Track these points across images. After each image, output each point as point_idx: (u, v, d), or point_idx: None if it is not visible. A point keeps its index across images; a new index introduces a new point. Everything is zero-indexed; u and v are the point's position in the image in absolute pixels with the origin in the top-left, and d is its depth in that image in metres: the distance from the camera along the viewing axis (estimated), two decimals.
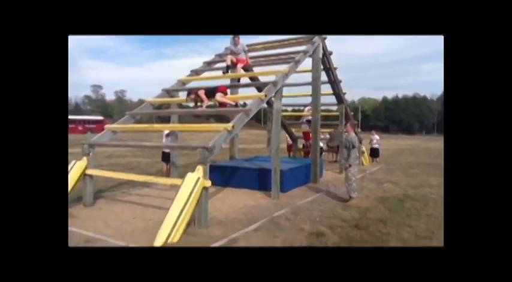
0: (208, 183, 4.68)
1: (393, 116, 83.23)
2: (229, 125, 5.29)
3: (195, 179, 4.52)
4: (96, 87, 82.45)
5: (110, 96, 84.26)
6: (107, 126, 6.68)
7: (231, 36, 8.16)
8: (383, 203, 6.45)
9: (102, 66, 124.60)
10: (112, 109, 74.76)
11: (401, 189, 8.11)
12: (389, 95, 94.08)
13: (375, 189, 8.12)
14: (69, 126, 43.45)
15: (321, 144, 12.58)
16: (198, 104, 6.85)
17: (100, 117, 50.81)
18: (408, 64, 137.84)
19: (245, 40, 8.08)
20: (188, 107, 7.35)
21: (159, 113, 7.79)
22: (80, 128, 44.03)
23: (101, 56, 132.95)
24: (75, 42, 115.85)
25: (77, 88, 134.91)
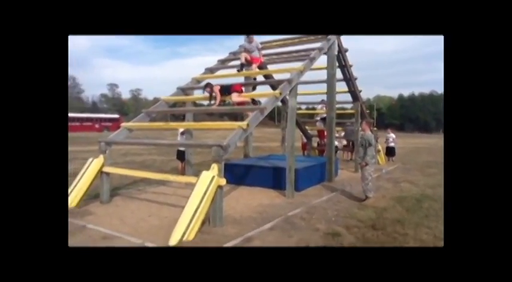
0: (223, 181, 4.67)
1: (409, 114, 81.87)
2: (244, 123, 5.28)
3: (210, 177, 4.52)
4: (112, 86, 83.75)
5: (125, 95, 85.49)
6: (123, 124, 6.75)
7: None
8: (400, 203, 6.32)
9: (118, 64, 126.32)
10: (128, 107, 75.85)
11: (419, 189, 7.94)
12: (405, 92, 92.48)
13: (392, 188, 7.98)
14: (86, 124, 44.48)
15: (336, 142, 12.48)
16: (212, 101, 6.84)
17: (116, 116, 51.68)
18: (423, 61, 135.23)
19: (259, 38, 8.05)
20: (202, 105, 7.36)
21: (174, 111, 7.85)
22: (96, 126, 44.91)
23: (116, 55, 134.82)
24: (90, 41, 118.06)
25: (94, 87, 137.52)
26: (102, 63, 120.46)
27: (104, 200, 6.07)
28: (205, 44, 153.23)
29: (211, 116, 52.80)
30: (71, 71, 73.37)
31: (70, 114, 40.88)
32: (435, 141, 36.16)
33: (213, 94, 6.67)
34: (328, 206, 6.07)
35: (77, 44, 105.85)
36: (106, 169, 6.05)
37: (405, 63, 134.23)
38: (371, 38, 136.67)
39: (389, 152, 14.26)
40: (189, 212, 4.24)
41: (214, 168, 4.67)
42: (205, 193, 4.40)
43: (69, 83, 69.76)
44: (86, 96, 78.89)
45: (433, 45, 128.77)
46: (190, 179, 5.00)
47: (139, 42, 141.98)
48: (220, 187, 4.65)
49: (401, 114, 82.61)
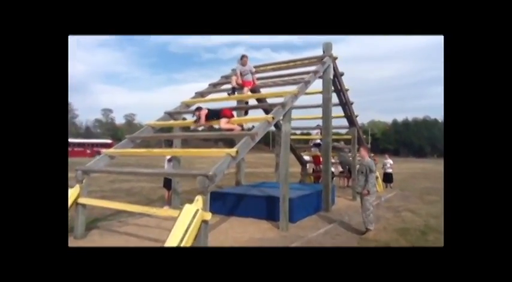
0: (208, 215, 4.16)
1: (404, 139, 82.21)
2: (232, 150, 4.82)
3: (193, 212, 4.01)
4: (107, 111, 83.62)
5: (119, 120, 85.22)
6: (103, 150, 6.28)
7: (239, 57, 7.85)
8: (404, 236, 5.80)
9: (115, 90, 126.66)
10: (121, 132, 75.32)
11: (422, 219, 7.44)
12: (400, 117, 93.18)
13: (393, 218, 7.47)
14: (78, 149, 43.75)
15: (332, 168, 12.03)
16: (192, 127, 6.50)
17: (108, 141, 50.96)
18: (417, 87, 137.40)
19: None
20: (197, 130, 6.91)
21: (160, 136, 7.38)
22: (88, 151, 44.16)
23: (114, 81, 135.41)
24: (88, 67, 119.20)
25: (88, 112, 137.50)
26: (99, 89, 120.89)
27: (78, 235, 5.45)
28: (200, 70, 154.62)
29: (207, 141, 52.31)
30: None
31: None
32: (431, 166, 35.86)
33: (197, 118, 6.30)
34: (325, 240, 5.51)
35: (75, 70, 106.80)
36: (82, 200, 5.49)
37: (399, 89, 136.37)
38: (365, 64, 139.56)
39: (387, 178, 13.80)
40: None
41: (199, 201, 4.16)
42: (187, 229, 3.87)
43: None
44: (80, 121, 78.60)
45: (427, 71, 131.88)
46: (172, 212, 4.49)
47: (136, 68, 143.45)
48: (205, 222, 4.13)
49: (395, 139, 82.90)
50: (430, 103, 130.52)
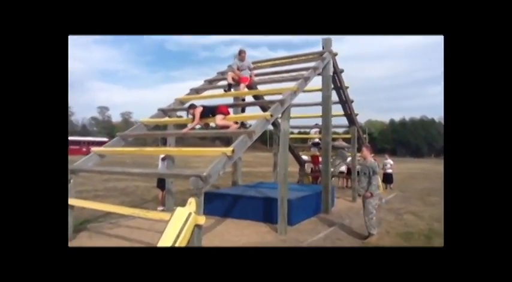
0: (202, 219, 3.87)
1: (401, 138, 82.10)
2: (228, 150, 4.53)
3: (185, 215, 3.73)
4: (103, 109, 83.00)
5: (116, 118, 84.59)
6: (93, 149, 5.96)
7: (237, 52, 7.53)
8: (408, 241, 5.52)
9: (112, 88, 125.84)
10: (118, 130, 74.74)
11: (425, 222, 7.17)
12: (397, 117, 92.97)
13: (395, 222, 7.20)
14: (74, 147, 43.35)
15: (343, 167, 11.77)
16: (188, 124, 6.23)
17: (105, 139, 50.54)
18: (414, 87, 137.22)
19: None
20: (194, 128, 6.62)
21: (153, 134, 7.07)
22: (84, 149, 43.80)
23: (111, 79, 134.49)
24: (86, 65, 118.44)
25: (86, 110, 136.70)
26: (95, 87, 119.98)
27: None
28: (198, 68, 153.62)
29: (203, 140, 51.90)
30: None
31: None
32: (429, 166, 35.69)
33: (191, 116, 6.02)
34: (326, 246, 5.24)
35: (71, 67, 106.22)
36: (70, 201, 5.17)
37: (395, 89, 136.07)
38: (360, 63, 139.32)
39: (387, 179, 13.53)
40: None
41: (192, 204, 3.88)
42: (178, 234, 3.60)
43: None
44: (76, 119, 77.89)
45: (423, 71, 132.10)
46: (163, 215, 4.20)
47: (134, 66, 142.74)
48: (198, 226, 3.85)
49: (393, 139, 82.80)
50: (426, 103, 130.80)
